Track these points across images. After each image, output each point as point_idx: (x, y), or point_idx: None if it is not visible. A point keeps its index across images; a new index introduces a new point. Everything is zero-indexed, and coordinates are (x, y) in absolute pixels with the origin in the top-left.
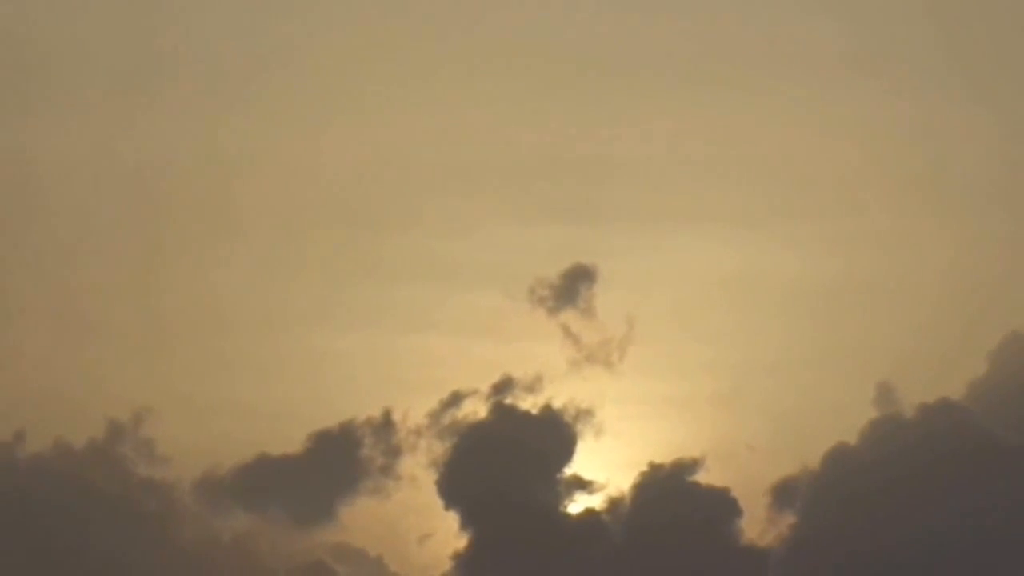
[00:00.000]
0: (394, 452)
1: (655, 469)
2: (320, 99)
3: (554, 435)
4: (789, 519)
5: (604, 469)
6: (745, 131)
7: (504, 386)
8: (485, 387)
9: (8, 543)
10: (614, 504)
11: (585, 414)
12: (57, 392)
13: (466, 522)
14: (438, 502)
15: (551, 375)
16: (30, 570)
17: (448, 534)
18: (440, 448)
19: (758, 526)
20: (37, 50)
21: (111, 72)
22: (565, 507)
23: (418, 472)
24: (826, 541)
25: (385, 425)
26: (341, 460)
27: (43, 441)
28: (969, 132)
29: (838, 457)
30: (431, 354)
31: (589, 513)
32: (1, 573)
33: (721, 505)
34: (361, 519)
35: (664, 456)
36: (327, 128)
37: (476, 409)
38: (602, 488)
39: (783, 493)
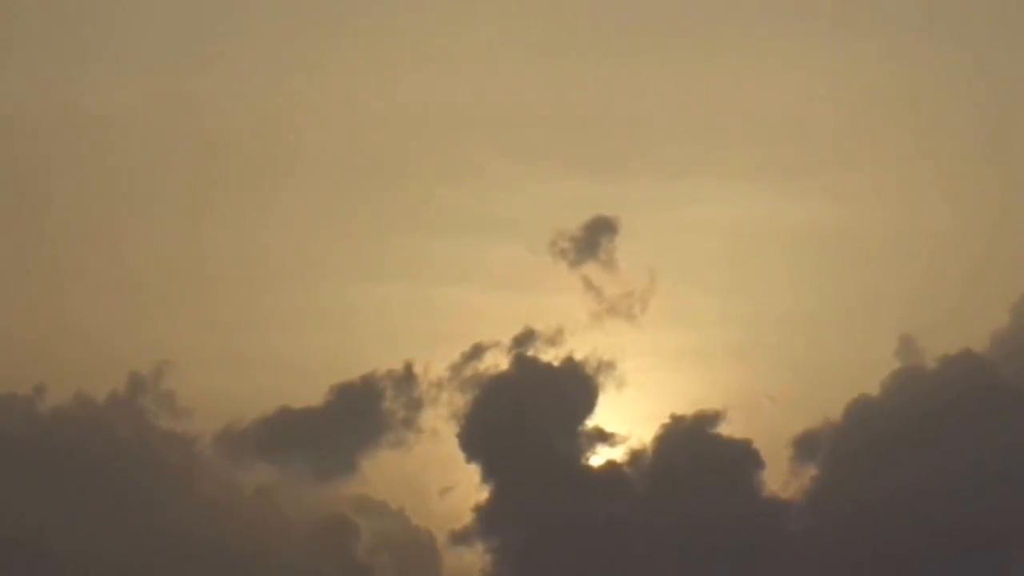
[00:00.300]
0: (416, 405)
1: (677, 421)
2: (358, 54)
3: (576, 387)
4: (811, 471)
5: (626, 421)
6: (768, 85)
7: (526, 338)
8: (507, 339)
9: (29, 496)
10: (636, 456)
11: (607, 366)
12: (78, 345)
13: (487, 474)
14: (460, 455)
15: (572, 327)
16: (51, 523)
17: (469, 486)
18: (461, 401)
19: (780, 478)
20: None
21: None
22: (587, 459)
23: (439, 425)
24: (848, 493)
25: (407, 378)
26: (363, 413)
27: (64, 394)
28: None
29: (860, 409)
30: (452, 307)
31: (611, 465)
32: (22, 526)
33: (743, 457)
34: (382, 472)
35: (686, 408)
36: (356, 82)
37: (498, 362)
38: (624, 440)
39: (805, 445)
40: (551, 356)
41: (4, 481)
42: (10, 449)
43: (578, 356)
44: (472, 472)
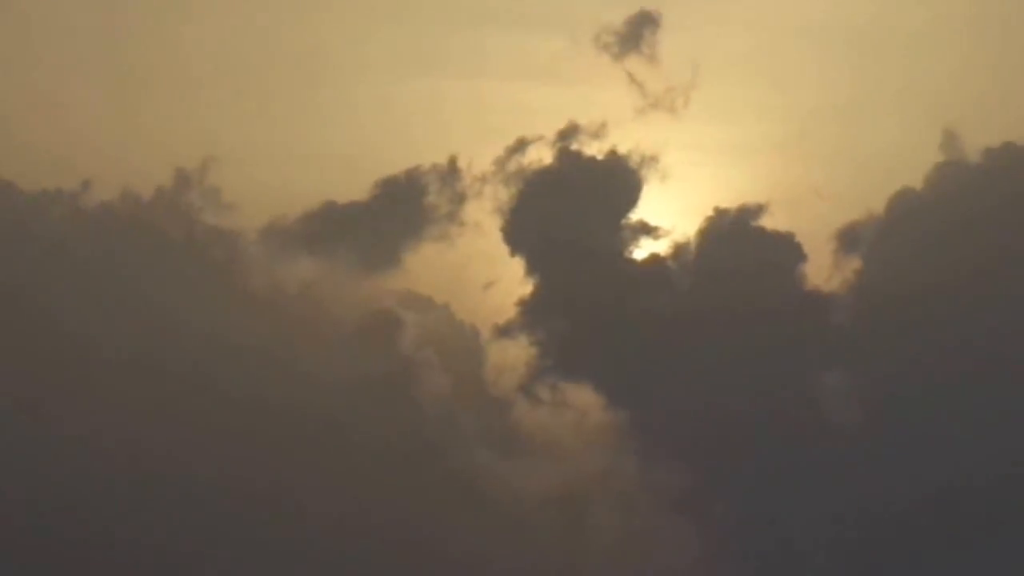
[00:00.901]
0: (460, 199)
1: (720, 214)
2: None
3: (619, 181)
4: (853, 264)
5: (669, 215)
6: None
7: (569, 132)
8: (550, 134)
9: (74, 292)
10: (679, 249)
11: (650, 160)
12: (124, 140)
13: (531, 268)
14: (503, 249)
15: (616, 121)
16: (95, 319)
17: (513, 281)
18: (505, 194)
19: (823, 271)
20: None
21: None
22: (630, 253)
23: (483, 219)
24: (890, 286)
25: (451, 172)
26: (407, 207)
27: (110, 190)
28: None
29: (903, 201)
30: (496, 101)
31: (654, 258)
32: (66, 320)
33: (786, 250)
34: (426, 266)
35: (729, 201)
36: None
37: (541, 156)
38: (667, 234)
39: (848, 238)
40: (595, 150)
41: (50, 278)
42: (56, 245)
43: (621, 150)
44: (516, 266)
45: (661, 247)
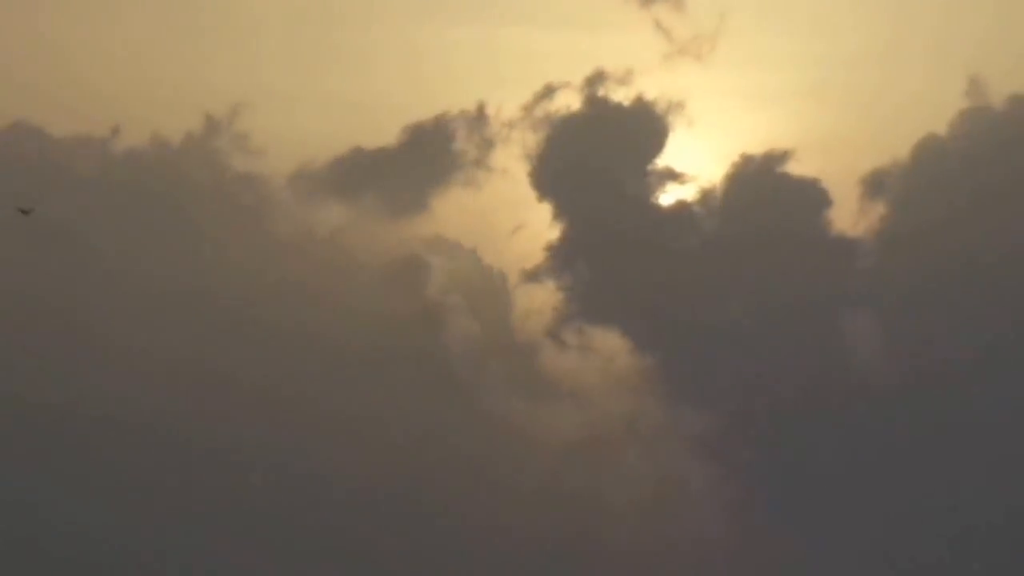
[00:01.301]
0: (487, 144)
1: (746, 160)
2: None
3: (646, 127)
4: (879, 209)
5: (695, 161)
6: None
7: (596, 79)
8: (577, 80)
9: (105, 234)
10: (705, 195)
11: (677, 106)
12: (153, 86)
13: (558, 213)
14: (531, 194)
15: (643, 68)
16: (126, 258)
17: (541, 225)
18: (533, 140)
19: (848, 217)
20: None
21: None
22: (657, 198)
23: (511, 164)
24: (915, 231)
25: (479, 118)
26: (435, 153)
27: (139, 136)
28: None
29: (927, 147)
30: (524, 47)
31: (680, 204)
32: (97, 260)
33: (811, 195)
34: (454, 211)
35: (755, 147)
36: None
37: (568, 102)
38: (693, 179)
39: (873, 184)
40: (621, 96)
41: (81, 221)
42: (86, 190)
43: (648, 96)
44: (543, 211)
45: (687, 193)
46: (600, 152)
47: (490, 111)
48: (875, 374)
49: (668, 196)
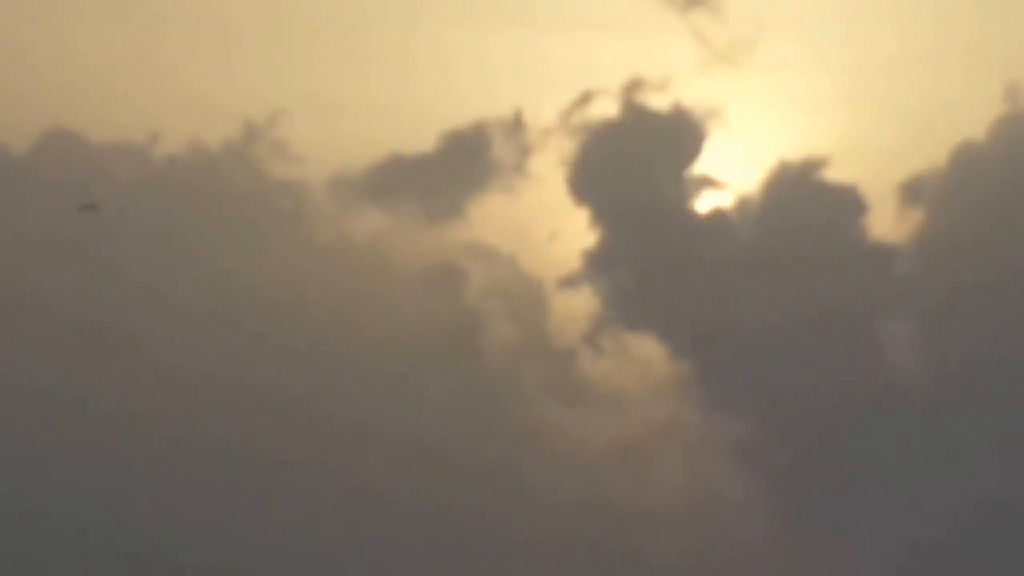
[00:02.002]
0: (525, 151)
1: (784, 166)
2: None
3: (683, 133)
4: (916, 216)
5: (732, 167)
6: None
7: (634, 85)
8: (615, 86)
9: (143, 243)
10: (742, 202)
11: (714, 113)
12: (192, 93)
13: (596, 219)
14: (568, 200)
15: (680, 75)
16: (164, 270)
17: (577, 232)
18: (570, 147)
19: (886, 223)
20: None
21: None
22: (693, 205)
23: (548, 170)
24: (953, 237)
25: (516, 124)
26: (472, 159)
27: (178, 142)
28: None
29: (965, 154)
30: (561, 53)
31: (717, 211)
32: (136, 273)
33: (848, 202)
34: (491, 217)
35: (793, 154)
36: None
37: (606, 108)
38: (730, 186)
39: (910, 190)
40: (658, 103)
41: (119, 228)
42: (125, 197)
43: (685, 103)
44: (580, 217)
45: (724, 200)
46: (637, 158)
47: (527, 118)
48: (913, 381)
49: (705, 203)
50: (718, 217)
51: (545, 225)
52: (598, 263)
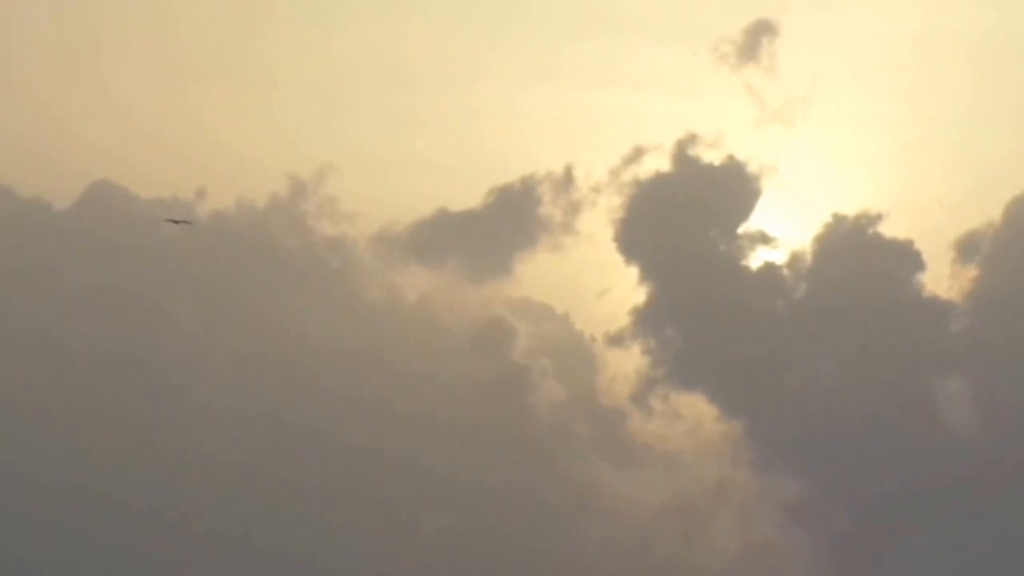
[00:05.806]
0: (574, 208)
1: (838, 221)
2: None
3: (736, 189)
4: (971, 272)
5: (786, 224)
6: None
7: (687, 142)
8: (667, 143)
9: (189, 299)
10: (795, 257)
11: (768, 169)
12: (239, 149)
13: (645, 276)
14: (617, 258)
15: (734, 131)
16: (211, 325)
17: (627, 289)
18: (620, 203)
19: (942, 280)
20: None
21: None
22: (746, 261)
23: (597, 228)
24: (1008, 294)
25: (566, 181)
26: (521, 215)
27: (225, 198)
28: None
29: (1020, 209)
30: (612, 110)
31: (769, 267)
32: (183, 327)
33: (904, 257)
34: (540, 274)
35: (847, 210)
36: None
37: (657, 165)
38: (783, 242)
39: (966, 246)
40: (712, 158)
41: (165, 284)
42: (171, 252)
43: (739, 158)
44: (630, 274)
45: (777, 256)
46: (689, 214)
47: (578, 174)
48: (968, 438)
49: (757, 259)
50: (770, 273)
51: (593, 282)
52: (647, 320)
